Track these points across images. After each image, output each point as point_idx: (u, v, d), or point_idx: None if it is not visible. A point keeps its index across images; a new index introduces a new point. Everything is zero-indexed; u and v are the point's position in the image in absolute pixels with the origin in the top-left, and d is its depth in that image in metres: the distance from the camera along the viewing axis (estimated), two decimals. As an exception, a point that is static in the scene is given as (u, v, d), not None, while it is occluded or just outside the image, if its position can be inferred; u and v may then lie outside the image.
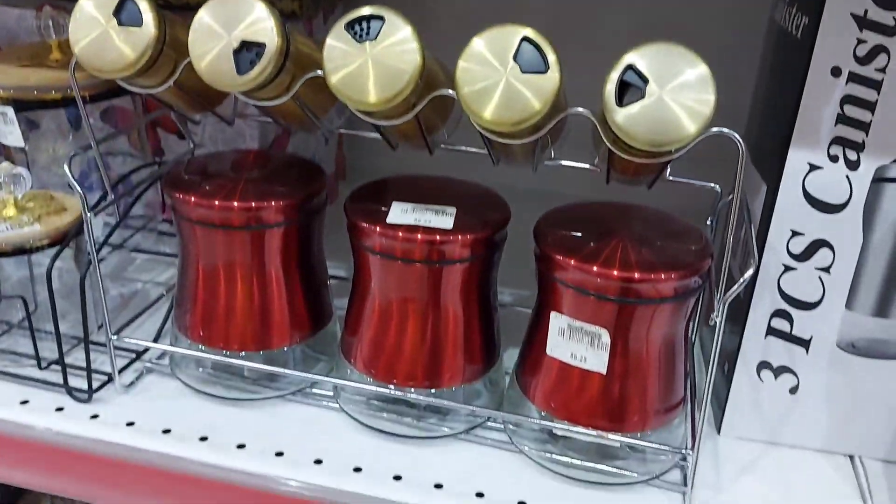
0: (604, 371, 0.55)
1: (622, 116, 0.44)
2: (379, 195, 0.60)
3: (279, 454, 0.58)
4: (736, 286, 0.49)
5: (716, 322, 0.51)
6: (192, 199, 0.57)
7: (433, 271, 0.57)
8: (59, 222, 0.62)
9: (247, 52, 0.47)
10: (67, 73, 0.53)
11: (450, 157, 0.64)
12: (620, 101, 0.45)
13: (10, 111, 0.63)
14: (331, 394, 0.64)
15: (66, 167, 0.54)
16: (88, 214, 0.55)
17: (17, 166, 0.62)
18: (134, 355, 0.66)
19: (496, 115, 0.45)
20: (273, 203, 0.58)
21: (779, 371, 0.61)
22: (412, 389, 0.60)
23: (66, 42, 0.67)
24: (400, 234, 0.55)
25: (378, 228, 0.56)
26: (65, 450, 0.58)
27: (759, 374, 0.61)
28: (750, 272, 0.49)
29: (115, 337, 0.61)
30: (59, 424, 0.59)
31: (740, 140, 0.47)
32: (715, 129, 0.46)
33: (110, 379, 0.63)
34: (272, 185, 0.60)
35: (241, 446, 0.58)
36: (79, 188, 0.53)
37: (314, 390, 0.64)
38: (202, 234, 0.59)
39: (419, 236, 0.55)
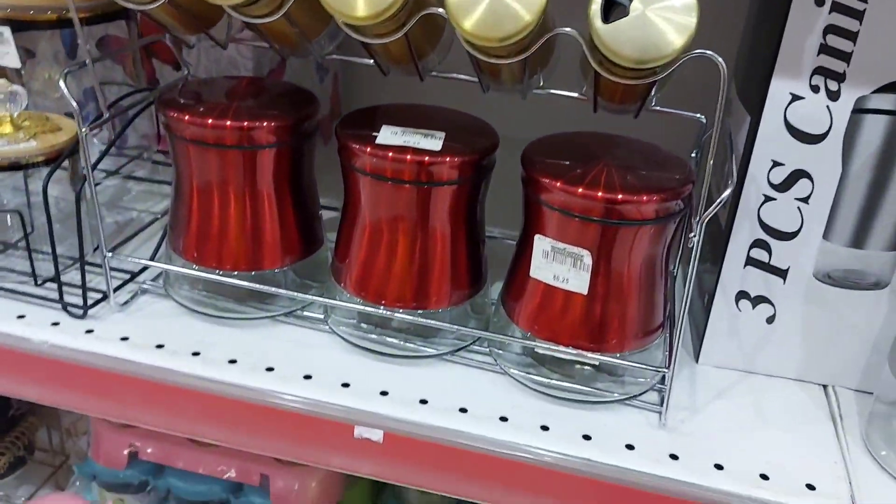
0: (585, 292, 0.56)
1: (606, 32, 0.45)
2: (371, 120, 0.61)
3: (269, 369, 0.60)
4: (714, 205, 0.51)
5: (694, 243, 0.53)
6: (186, 117, 0.58)
7: (422, 192, 0.58)
8: (55, 140, 0.63)
9: (239, -36, 0.48)
10: (64, -8, 0.54)
11: (444, 97, 0.65)
12: (606, 19, 0.46)
13: (6, 31, 0.63)
14: (321, 316, 0.66)
15: (61, 82, 0.54)
16: (84, 129, 0.56)
17: (13, 84, 0.62)
18: (129, 276, 0.68)
19: (482, 27, 0.46)
20: (265, 123, 0.59)
21: (756, 301, 0.63)
22: (400, 310, 0.61)
23: (63, -38, 0.67)
24: (390, 154, 0.57)
25: (368, 149, 0.57)
26: (60, 362, 0.60)
27: (737, 304, 0.63)
28: (728, 192, 0.51)
29: (111, 254, 0.63)
30: (54, 338, 0.61)
31: (721, 61, 0.48)
32: (698, 50, 0.47)
33: (105, 296, 0.65)
34: (265, 107, 0.61)
35: (232, 361, 0.60)
36: (73, 102, 0.54)
37: (305, 313, 0.66)
38: (196, 154, 0.60)
39: (408, 157, 0.57)
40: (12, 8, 0.65)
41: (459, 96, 0.67)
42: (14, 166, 0.62)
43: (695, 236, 0.52)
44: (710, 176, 0.52)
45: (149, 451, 0.87)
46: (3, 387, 0.63)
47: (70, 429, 1.05)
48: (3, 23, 0.65)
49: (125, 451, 0.88)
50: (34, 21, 0.66)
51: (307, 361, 0.61)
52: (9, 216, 0.68)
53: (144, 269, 0.69)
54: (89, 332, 0.62)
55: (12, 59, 0.65)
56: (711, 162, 0.52)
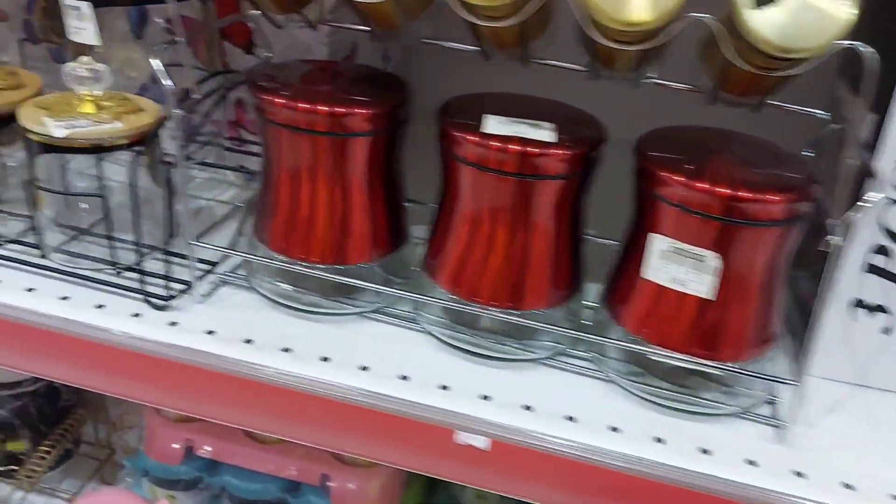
0: (709, 296, 0.53)
1: (760, 16, 0.42)
2: (473, 107, 0.58)
3: (364, 368, 0.56)
4: (860, 206, 0.47)
5: (832, 246, 0.49)
6: (281, 100, 0.55)
7: (525, 186, 0.55)
8: (139, 122, 0.60)
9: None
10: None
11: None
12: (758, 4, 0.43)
13: (84, 6, 0.60)
14: (409, 313, 0.62)
15: (156, 61, 0.51)
16: (177, 111, 0.53)
17: (96, 62, 0.59)
18: (208, 267, 0.65)
19: (646, 10, 0.42)
20: (364, 110, 0.56)
21: (873, 310, 0.59)
22: (494, 310, 0.58)
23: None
24: (495, 144, 0.53)
25: (473, 138, 0.54)
26: (144, 354, 0.57)
27: (851, 313, 0.60)
28: (879, 196, 0.47)
29: (196, 242, 0.59)
30: (136, 329, 0.58)
31: (873, 52, 0.45)
32: (847, 41, 0.44)
33: (188, 287, 0.61)
34: (358, 93, 0.58)
35: (324, 359, 0.57)
36: (169, 81, 0.51)
37: (392, 309, 0.63)
38: (288, 140, 0.57)
39: (514, 147, 0.53)
40: (94, -18, 0.62)
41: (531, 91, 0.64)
42: (97, 148, 0.58)
43: (837, 239, 0.48)
44: (851, 175, 0.48)
45: (206, 447, 0.85)
46: (83, 379, 0.60)
47: (116, 422, 1.02)
48: (83, -2, 0.62)
49: (180, 447, 0.85)
50: (113, -3, 0.63)
51: (400, 361, 0.58)
52: (80, 201, 0.65)
53: (224, 259, 0.66)
54: (173, 324, 0.59)
55: (90, 36, 0.61)
56: (852, 161, 0.48)
